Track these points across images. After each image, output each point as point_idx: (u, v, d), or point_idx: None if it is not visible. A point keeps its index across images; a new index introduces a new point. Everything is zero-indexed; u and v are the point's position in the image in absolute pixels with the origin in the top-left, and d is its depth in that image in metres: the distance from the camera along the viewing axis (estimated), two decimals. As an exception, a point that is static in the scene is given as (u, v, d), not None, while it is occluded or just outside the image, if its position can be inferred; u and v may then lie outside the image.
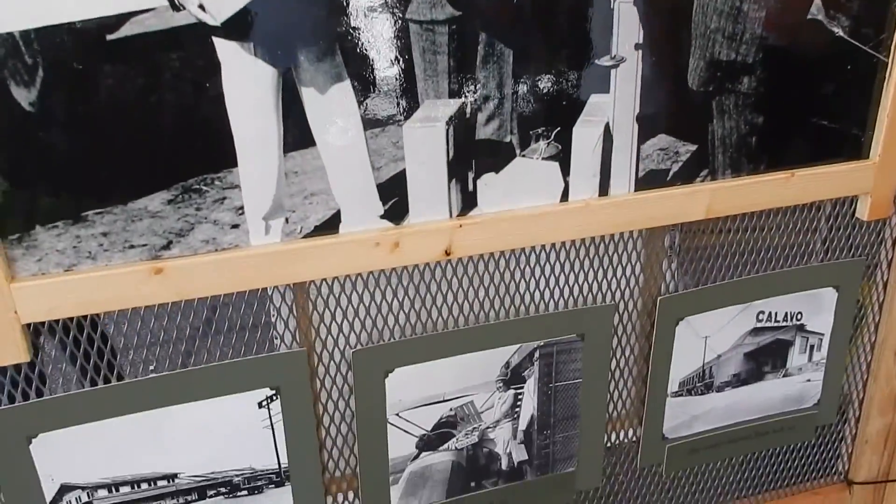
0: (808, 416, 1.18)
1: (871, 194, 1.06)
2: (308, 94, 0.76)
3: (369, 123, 0.80)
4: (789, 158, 1.02)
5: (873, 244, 1.15)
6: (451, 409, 0.94)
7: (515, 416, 0.99)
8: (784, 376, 1.14)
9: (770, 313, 1.10)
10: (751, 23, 0.94)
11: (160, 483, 0.83)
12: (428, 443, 0.94)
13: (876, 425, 1.21)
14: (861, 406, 1.22)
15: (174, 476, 0.83)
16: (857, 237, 1.14)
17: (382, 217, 0.84)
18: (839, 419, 1.23)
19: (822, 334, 1.14)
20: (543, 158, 0.91)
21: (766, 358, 1.12)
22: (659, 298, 1.02)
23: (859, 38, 1.00)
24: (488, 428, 0.98)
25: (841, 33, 0.98)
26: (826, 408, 1.18)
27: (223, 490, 0.86)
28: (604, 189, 0.94)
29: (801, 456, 1.23)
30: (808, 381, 1.16)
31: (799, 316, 1.12)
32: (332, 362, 0.88)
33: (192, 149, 0.72)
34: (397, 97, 0.81)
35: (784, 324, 1.11)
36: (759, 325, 1.10)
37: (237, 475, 0.86)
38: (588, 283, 1.01)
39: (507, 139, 0.88)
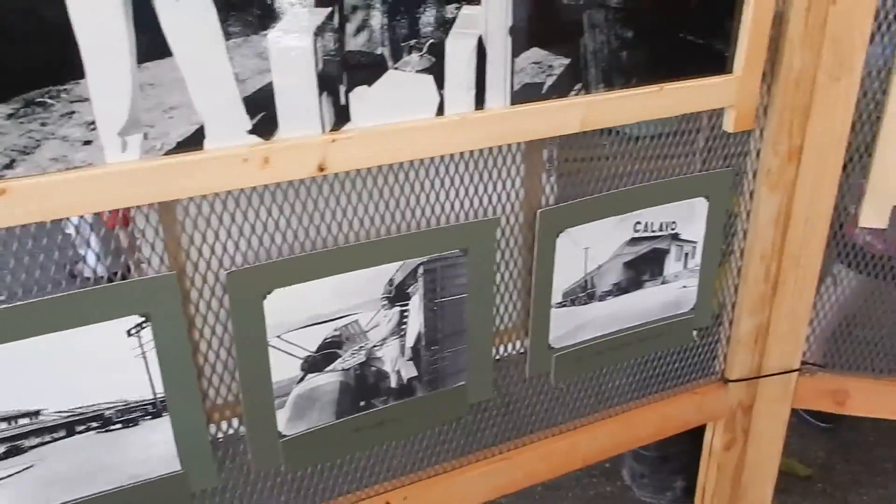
0: (686, 321, 1.23)
1: (735, 107, 1.10)
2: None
3: (230, 33, 0.77)
4: (659, 73, 1.05)
5: (741, 155, 1.20)
6: (335, 329, 0.94)
7: (402, 333, 1.00)
8: (662, 283, 1.19)
9: (646, 223, 1.14)
10: (616, -66, 0.95)
11: (21, 421, 0.79)
12: (313, 364, 0.94)
13: (747, 326, 1.28)
14: (733, 308, 1.29)
15: (36, 413, 0.80)
16: (727, 148, 1.18)
17: (250, 132, 0.81)
18: (714, 322, 1.29)
19: (696, 242, 1.18)
20: (417, 71, 0.89)
21: (645, 267, 1.16)
22: (539, 211, 1.04)
23: (720, -49, 1.02)
24: (375, 346, 0.98)
25: (703, -53, 1.00)
26: (701, 312, 1.24)
27: (94, 425, 0.83)
28: (479, 103, 0.94)
29: (681, 358, 1.29)
30: (685, 287, 1.21)
31: (673, 225, 1.16)
32: (206, 286, 0.86)
33: (32, 58, 0.67)
34: (259, 4, 0.78)
35: (660, 233, 1.15)
36: (636, 234, 1.14)
37: (108, 408, 0.83)
38: (469, 197, 1.01)
39: (379, 51, 0.87)
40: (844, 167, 1.21)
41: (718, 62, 1.08)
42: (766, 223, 1.21)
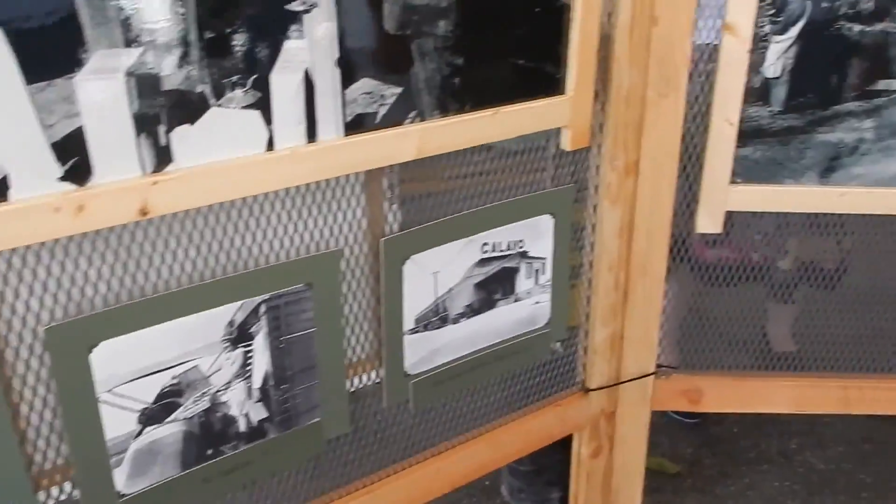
0: (542, 336, 1.26)
1: (571, 126, 1.13)
2: (-59, 47, 0.67)
3: (31, 77, 0.73)
4: (494, 97, 1.07)
5: (582, 171, 1.24)
6: (173, 378, 0.90)
7: (248, 374, 0.97)
8: (515, 301, 1.21)
9: (494, 244, 1.16)
10: (440, -36, 0.96)
11: None
12: (151, 416, 0.90)
13: (602, 335, 1.32)
14: (588, 319, 1.32)
15: None
16: (572, 165, 1.22)
17: (62, 179, 0.77)
18: (572, 334, 1.33)
19: (545, 259, 1.21)
20: (242, 107, 0.88)
21: (496, 286, 1.18)
22: (382, 240, 1.04)
23: (543, -21, 1.05)
24: (219, 391, 0.95)
25: (525, -25, 1.03)
26: (556, 326, 1.27)
27: None
28: (311, 136, 0.93)
29: (542, 372, 1.32)
30: (538, 303, 1.23)
31: (521, 244, 1.18)
32: (23, 345, 0.81)
33: None
34: (62, 47, 0.74)
35: (508, 252, 1.17)
36: (485, 255, 1.15)
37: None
38: (310, 230, 1.00)
39: (199, 89, 0.84)
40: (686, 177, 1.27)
41: (551, 84, 1.11)
42: (611, 235, 1.26)
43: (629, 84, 1.17)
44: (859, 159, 1.24)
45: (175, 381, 0.91)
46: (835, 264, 1.44)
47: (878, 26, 1.17)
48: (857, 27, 1.17)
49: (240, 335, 0.95)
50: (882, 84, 1.20)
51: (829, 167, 1.24)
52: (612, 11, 1.13)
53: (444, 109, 1.03)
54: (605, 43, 1.15)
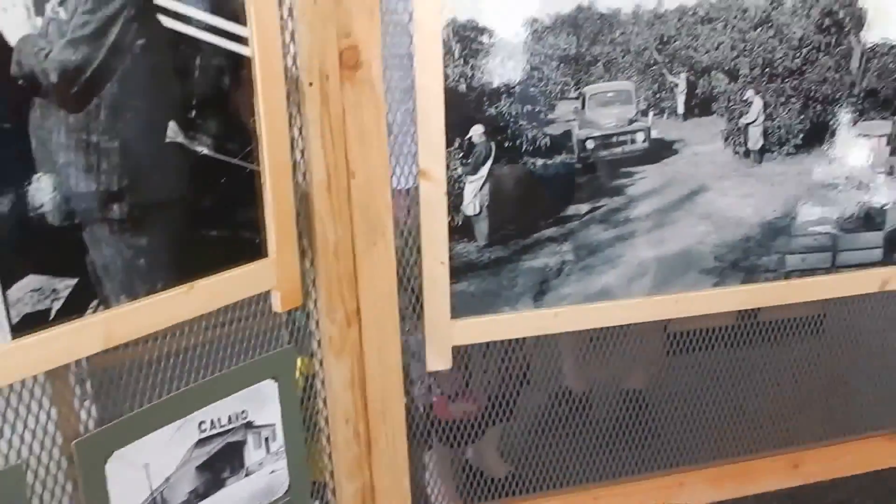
0: (285, 505, 1.20)
1: (279, 288, 1.12)
2: None
3: None
4: (188, 271, 1.03)
5: (301, 329, 1.22)
6: None
7: None
8: (246, 476, 1.15)
9: (213, 420, 1.10)
10: (105, 153, 0.93)
11: None
12: None
13: (349, 490, 1.28)
14: (332, 476, 1.28)
15: None
16: (286, 325, 1.20)
17: None
18: (318, 495, 1.28)
19: (273, 424, 1.17)
20: None
21: (222, 464, 1.12)
22: (74, 443, 0.95)
23: (227, 153, 1.05)
24: None
25: (207, 151, 1.02)
26: (298, 492, 1.21)
27: None
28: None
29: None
30: (273, 472, 1.18)
31: (244, 414, 1.13)
32: None
33: None
34: None
35: (231, 426, 1.12)
36: (203, 435, 1.09)
37: None
38: (-17, 450, 0.90)
39: None
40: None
41: (252, 249, 1.10)
42: (342, 387, 1.24)
43: (336, 237, 1.18)
44: (565, 280, 1.32)
45: None
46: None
47: (558, 158, 1.28)
48: (539, 161, 1.26)
49: None
50: (572, 209, 1.30)
51: (541, 291, 1.31)
52: (306, 170, 1.15)
53: (133, 292, 0.99)
54: (305, 201, 1.16)
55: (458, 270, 1.26)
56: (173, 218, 1.02)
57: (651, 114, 1.29)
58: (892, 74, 1.37)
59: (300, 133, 1.13)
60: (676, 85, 1.29)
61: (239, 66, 1.03)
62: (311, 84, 1.10)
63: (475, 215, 1.26)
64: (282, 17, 1.07)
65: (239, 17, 1.01)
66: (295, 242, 1.13)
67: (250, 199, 1.09)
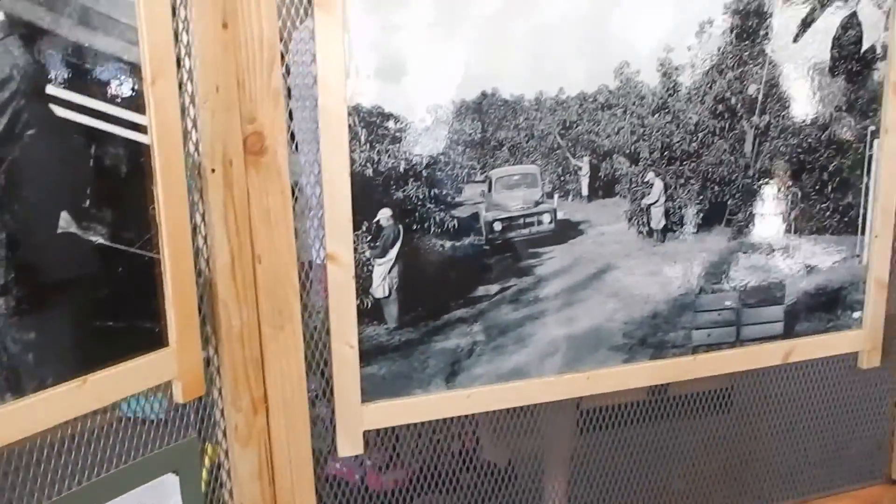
0: None
1: (180, 378, 1.08)
2: None
3: None
4: (82, 365, 0.99)
5: (207, 417, 1.18)
6: None
7: None
8: (143, 578, 1.09)
9: (106, 521, 1.05)
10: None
11: None
12: None
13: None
14: (240, 573, 1.23)
15: None
16: (189, 415, 1.16)
17: None
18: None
19: (173, 521, 1.12)
20: None
21: (116, 567, 1.06)
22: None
23: (124, 242, 1.02)
24: None
25: (102, 241, 1.00)
26: (201, 591, 1.16)
27: None
28: None
29: None
30: (173, 572, 1.12)
31: (142, 512, 1.09)
32: None
33: None
34: None
35: (126, 526, 1.07)
36: (96, 537, 1.03)
37: None
38: None
39: None
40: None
41: (152, 339, 1.07)
42: (250, 478, 1.20)
43: (241, 323, 1.16)
44: (477, 360, 1.32)
45: None
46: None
47: (466, 240, 1.29)
48: (448, 243, 1.28)
49: None
50: (481, 290, 1.31)
51: (453, 372, 1.31)
52: (209, 256, 1.13)
53: (20, 390, 0.94)
54: (208, 287, 1.14)
55: (369, 353, 1.25)
56: (66, 310, 0.99)
57: (556, 196, 1.33)
58: (784, 156, 1.45)
59: (203, 219, 1.12)
60: (580, 168, 1.33)
61: (138, 154, 1.02)
62: (213, 170, 1.10)
63: (384, 298, 1.26)
64: (183, 105, 1.06)
65: (138, 106, 1.00)
66: (197, 330, 1.10)
67: (150, 287, 1.06)
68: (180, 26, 1.05)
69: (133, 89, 1.00)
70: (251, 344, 1.18)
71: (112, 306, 1.03)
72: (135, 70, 0.99)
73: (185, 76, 1.07)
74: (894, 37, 1.45)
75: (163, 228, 1.04)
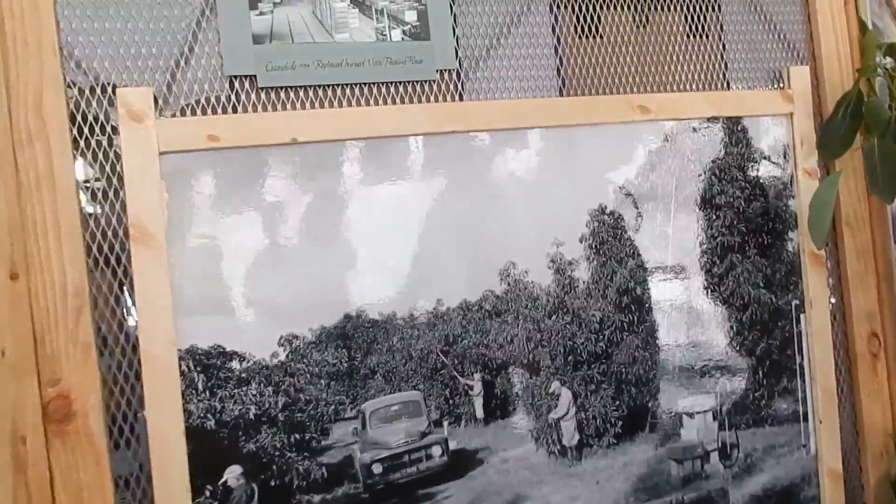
0: None
1: None
2: None
3: None
4: None
5: None
6: None
7: None
8: None
9: None
10: None
11: None
12: None
13: None
14: None
15: None
16: None
17: None
18: None
19: None
20: None
21: None
22: None
23: None
24: None
25: None
26: None
27: None
28: None
29: None
30: None
31: None
32: None
33: None
34: None
35: None
36: None
37: None
38: None
39: None
40: None
41: None
42: None
43: None
44: None
45: None
46: None
47: (340, 491, 1.07)
48: (316, 497, 1.05)
49: None
50: (365, 549, 1.08)
51: None
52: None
53: None
54: None
55: None
56: None
57: (446, 423, 1.13)
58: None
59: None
60: (471, 387, 1.14)
61: None
62: (-6, 456, 0.88)
63: (243, 574, 1.01)
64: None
65: None
66: None
67: None
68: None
69: None
70: None
71: None
72: None
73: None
74: (802, 205, 1.34)
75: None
